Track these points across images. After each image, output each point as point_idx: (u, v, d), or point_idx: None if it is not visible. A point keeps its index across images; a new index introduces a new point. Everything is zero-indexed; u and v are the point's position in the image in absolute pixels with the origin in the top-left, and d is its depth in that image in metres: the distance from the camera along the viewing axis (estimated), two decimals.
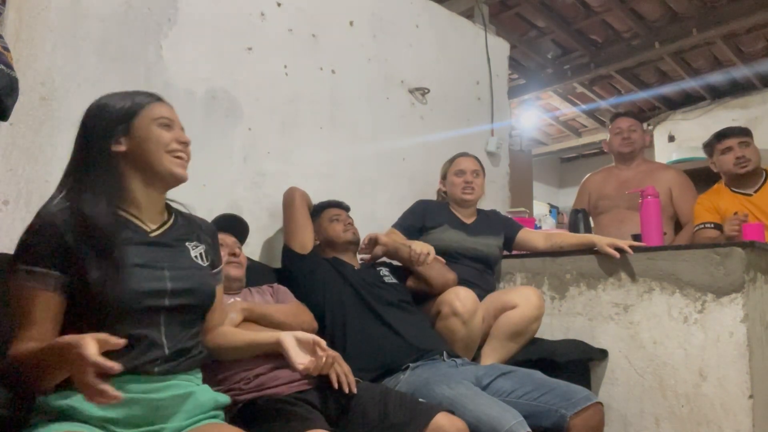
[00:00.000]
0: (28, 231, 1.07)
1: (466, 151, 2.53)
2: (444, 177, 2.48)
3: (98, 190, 1.11)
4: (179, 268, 1.15)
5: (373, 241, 2.10)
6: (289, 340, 1.22)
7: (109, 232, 1.08)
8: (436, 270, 2.04)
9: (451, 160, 2.48)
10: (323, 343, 1.21)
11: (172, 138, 1.17)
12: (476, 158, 2.48)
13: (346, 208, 2.15)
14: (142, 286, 1.07)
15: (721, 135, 2.55)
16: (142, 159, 1.15)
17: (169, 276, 1.12)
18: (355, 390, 1.40)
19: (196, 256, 1.21)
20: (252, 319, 1.56)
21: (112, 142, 1.14)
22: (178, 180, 1.18)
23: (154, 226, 1.18)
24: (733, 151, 2.48)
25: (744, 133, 2.52)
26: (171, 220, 1.22)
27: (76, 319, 1.06)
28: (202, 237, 1.26)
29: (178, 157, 1.17)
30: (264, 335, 1.28)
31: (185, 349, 1.13)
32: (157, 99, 1.21)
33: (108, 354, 0.97)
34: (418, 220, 2.32)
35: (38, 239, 1.05)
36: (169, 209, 1.25)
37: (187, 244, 1.21)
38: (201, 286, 1.18)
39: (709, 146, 2.61)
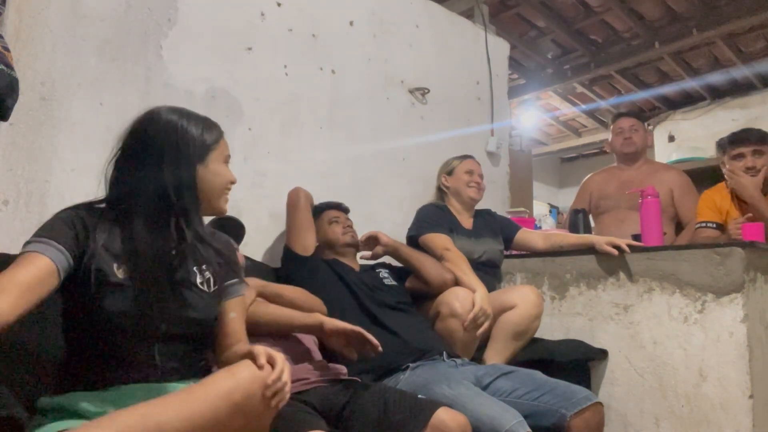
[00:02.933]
0: (56, 216, 1.08)
1: (466, 151, 2.54)
2: (449, 173, 2.46)
3: (158, 218, 1.12)
4: (180, 295, 1.13)
5: (374, 239, 2.09)
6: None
7: (149, 269, 1.08)
8: (435, 270, 2.04)
9: (461, 159, 2.48)
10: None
11: (231, 178, 1.23)
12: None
13: (346, 210, 2.15)
14: (140, 309, 1.06)
15: (737, 140, 2.44)
16: (204, 192, 1.17)
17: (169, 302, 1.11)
18: (380, 349, 1.47)
19: (201, 282, 1.18)
20: (265, 295, 1.60)
21: (195, 168, 1.16)
22: (219, 215, 1.26)
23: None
24: (745, 159, 2.39)
25: (761, 140, 2.40)
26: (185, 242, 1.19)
27: (74, 325, 1.08)
28: (215, 255, 1.22)
29: (227, 196, 1.24)
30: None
31: (181, 374, 1.11)
32: (222, 132, 1.25)
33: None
34: (444, 224, 2.29)
35: (65, 224, 1.07)
36: None
37: (195, 268, 1.18)
38: (199, 315, 1.14)
39: (722, 146, 2.52)
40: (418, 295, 2.07)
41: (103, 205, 1.15)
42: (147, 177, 1.13)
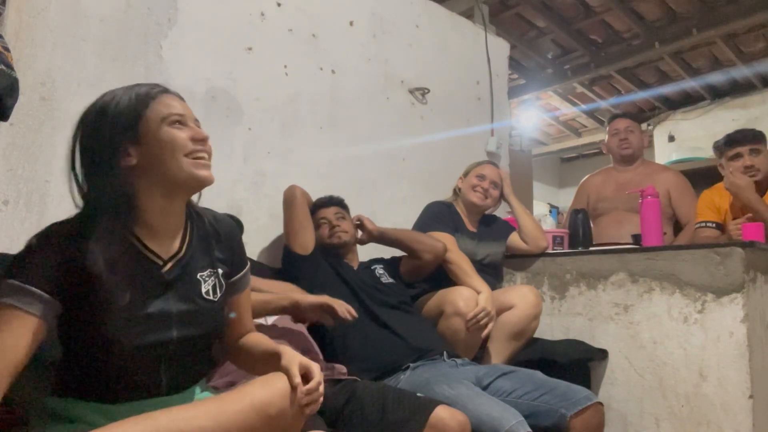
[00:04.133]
0: (25, 248, 0.95)
1: (466, 151, 2.53)
2: (465, 174, 2.47)
3: (111, 218, 0.96)
4: (188, 312, 1.03)
5: (359, 223, 2.11)
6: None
7: (119, 278, 0.96)
8: (425, 243, 2.06)
9: (480, 163, 2.49)
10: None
11: (188, 137, 1.01)
12: (500, 172, 2.49)
13: (337, 203, 2.10)
14: (148, 339, 0.97)
15: (733, 140, 2.43)
16: (157, 169, 0.99)
17: (176, 323, 1.01)
18: (355, 314, 1.56)
19: (207, 291, 1.07)
20: None
21: (120, 155, 0.98)
22: (203, 184, 1.04)
23: (167, 256, 1.04)
24: (743, 159, 2.37)
25: (756, 139, 2.39)
26: (186, 244, 1.07)
27: (67, 353, 0.99)
28: (218, 252, 1.12)
29: (199, 158, 1.02)
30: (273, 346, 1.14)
31: (186, 385, 1.07)
32: (162, 90, 1.04)
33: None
34: (449, 222, 2.31)
35: (48, 261, 0.93)
36: (185, 221, 1.10)
37: (199, 276, 1.07)
38: (208, 329, 1.08)
39: (719, 149, 2.50)
40: (415, 273, 2.10)
41: (80, 220, 0.99)
42: (98, 181, 0.98)
